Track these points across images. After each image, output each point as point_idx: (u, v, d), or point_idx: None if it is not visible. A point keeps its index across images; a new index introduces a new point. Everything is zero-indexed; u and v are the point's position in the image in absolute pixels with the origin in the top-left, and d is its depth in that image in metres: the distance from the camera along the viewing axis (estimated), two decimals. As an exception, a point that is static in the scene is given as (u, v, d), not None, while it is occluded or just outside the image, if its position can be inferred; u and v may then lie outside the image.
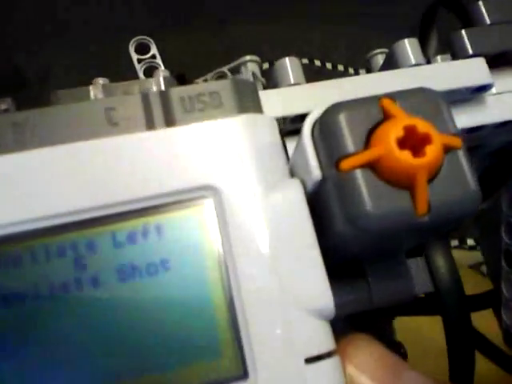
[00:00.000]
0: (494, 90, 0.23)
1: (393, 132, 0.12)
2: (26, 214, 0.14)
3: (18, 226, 0.14)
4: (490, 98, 0.23)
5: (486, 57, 0.23)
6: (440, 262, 0.20)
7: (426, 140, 0.12)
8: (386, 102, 0.13)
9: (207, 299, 0.14)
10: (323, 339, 0.14)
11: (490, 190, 0.29)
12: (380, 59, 0.26)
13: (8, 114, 0.16)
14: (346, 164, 0.13)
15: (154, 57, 0.25)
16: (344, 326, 0.19)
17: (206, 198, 0.14)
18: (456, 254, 0.21)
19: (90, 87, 0.17)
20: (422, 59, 0.23)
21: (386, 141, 0.12)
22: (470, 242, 0.48)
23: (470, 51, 0.23)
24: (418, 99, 0.13)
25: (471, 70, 0.22)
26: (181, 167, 0.14)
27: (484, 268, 0.46)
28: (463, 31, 0.23)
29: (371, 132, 0.13)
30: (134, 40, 0.25)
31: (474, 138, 0.24)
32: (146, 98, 0.15)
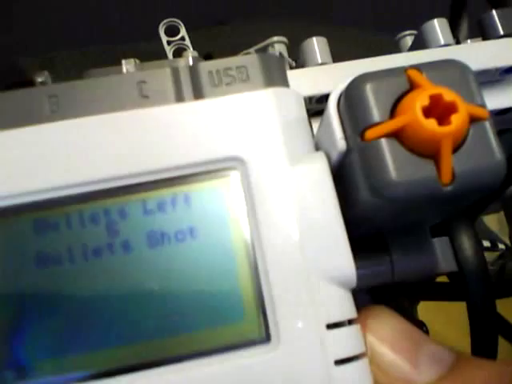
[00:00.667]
0: (524, 72, 0.23)
1: (418, 101, 0.12)
2: (61, 181, 0.14)
3: (54, 193, 0.14)
4: (519, 80, 0.23)
5: (517, 38, 0.22)
6: (465, 243, 0.20)
7: (451, 109, 0.12)
8: (413, 73, 0.13)
9: (232, 265, 0.14)
10: (344, 307, 0.14)
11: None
12: (409, 41, 0.26)
13: (45, 86, 0.16)
14: (371, 133, 0.13)
15: (183, 39, 0.26)
16: (367, 303, 0.20)
17: (232, 169, 0.15)
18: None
19: (123, 61, 0.17)
20: (451, 39, 0.23)
21: (412, 109, 0.12)
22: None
23: (501, 32, 0.23)
24: (444, 71, 0.13)
25: (502, 51, 0.22)
26: (208, 139, 0.15)
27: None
28: (494, 11, 0.23)
29: (397, 103, 0.13)
30: (163, 22, 0.26)
31: (502, 121, 0.24)
32: (175, 71, 0.16)
